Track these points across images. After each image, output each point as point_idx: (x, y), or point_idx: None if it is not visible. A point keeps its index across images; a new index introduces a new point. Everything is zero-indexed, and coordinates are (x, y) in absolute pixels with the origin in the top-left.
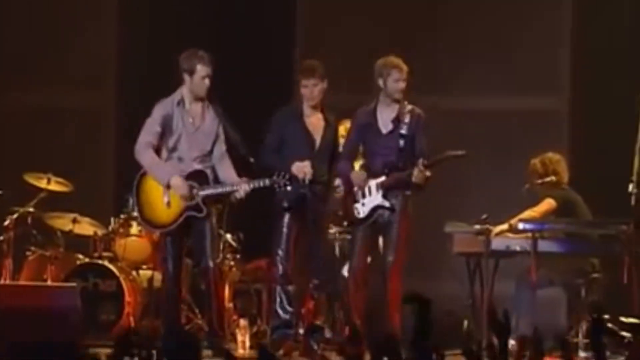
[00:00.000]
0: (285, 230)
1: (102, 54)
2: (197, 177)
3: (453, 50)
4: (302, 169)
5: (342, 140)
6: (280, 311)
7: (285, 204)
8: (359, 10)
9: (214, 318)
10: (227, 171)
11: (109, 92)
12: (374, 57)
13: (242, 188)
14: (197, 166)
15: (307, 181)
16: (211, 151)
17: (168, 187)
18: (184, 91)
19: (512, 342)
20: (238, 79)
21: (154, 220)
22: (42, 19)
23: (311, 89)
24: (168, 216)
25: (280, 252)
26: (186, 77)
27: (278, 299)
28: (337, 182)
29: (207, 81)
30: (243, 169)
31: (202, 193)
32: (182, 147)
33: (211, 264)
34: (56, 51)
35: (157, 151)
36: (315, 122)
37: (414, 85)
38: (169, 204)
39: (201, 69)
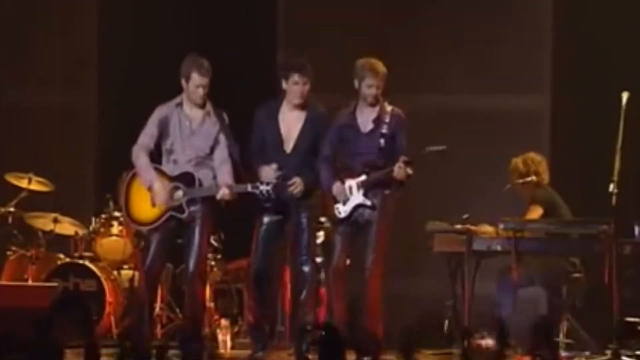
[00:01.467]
0: (262, 229)
1: (83, 53)
2: (184, 179)
3: (434, 49)
4: (266, 176)
5: None
6: (255, 309)
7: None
8: (341, 10)
9: (188, 322)
10: (224, 176)
11: (90, 91)
12: (356, 57)
13: (222, 192)
14: (191, 169)
15: (268, 186)
16: (209, 155)
17: (149, 190)
18: (184, 95)
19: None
20: (219, 81)
21: (139, 218)
22: (22, 16)
23: (302, 87)
24: (151, 215)
25: (256, 252)
26: (183, 82)
27: (251, 299)
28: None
29: (200, 90)
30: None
31: (186, 196)
32: (177, 150)
33: (191, 268)
34: (36, 49)
35: (158, 152)
36: (292, 121)
37: (396, 85)
38: (154, 203)
39: (195, 78)
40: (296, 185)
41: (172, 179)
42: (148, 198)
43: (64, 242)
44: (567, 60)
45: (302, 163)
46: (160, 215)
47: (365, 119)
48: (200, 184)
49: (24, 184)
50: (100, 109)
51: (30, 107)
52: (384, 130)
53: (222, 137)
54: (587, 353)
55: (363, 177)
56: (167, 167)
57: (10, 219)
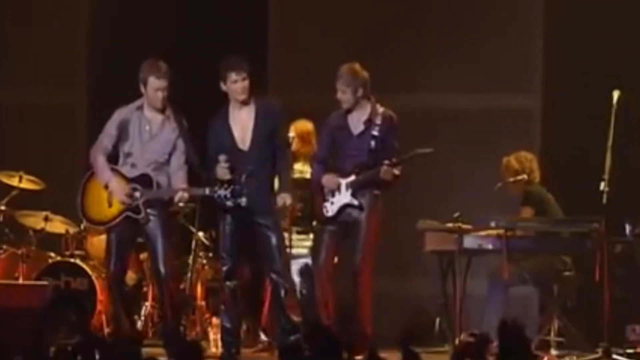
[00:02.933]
0: (227, 229)
1: (73, 51)
2: (141, 181)
3: (424, 48)
4: (222, 172)
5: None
6: (232, 312)
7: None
8: (329, 10)
9: (170, 321)
10: (178, 182)
11: (81, 89)
12: (345, 56)
13: (179, 195)
14: (149, 172)
15: (226, 179)
16: (168, 161)
17: (106, 188)
18: (145, 99)
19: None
20: (207, 79)
21: (95, 217)
22: (12, 15)
23: (242, 84)
24: (107, 215)
25: (223, 254)
26: (142, 88)
27: (222, 306)
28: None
29: (159, 94)
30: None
31: (143, 197)
32: (135, 154)
33: (162, 271)
34: (27, 48)
35: (115, 155)
36: (244, 118)
37: (388, 84)
38: (110, 203)
39: (153, 82)
40: (284, 199)
41: (129, 180)
42: (105, 198)
43: (55, 240)
44: (558, 58)
45: (261, 156)
46: (117, 215)
47: (356, 121)
48: (158, 186)
49: (14, 182)
50: (91, 108)
51: (21, 105)
52: (375, 132)
53: (180, 143)
54: (578, 351)
55: (352, 178)
56: (123, 169)
57: (1, 218)
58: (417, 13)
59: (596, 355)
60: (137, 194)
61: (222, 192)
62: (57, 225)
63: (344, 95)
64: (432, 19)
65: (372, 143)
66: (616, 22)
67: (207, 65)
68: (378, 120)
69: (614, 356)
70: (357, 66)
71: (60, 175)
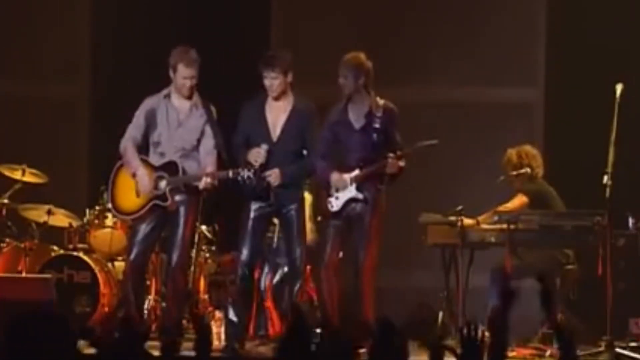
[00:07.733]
0: (249, 225)
1: (75, 44)
2: (168, 169)
3: (427, 42)
4: (255, 155)
5: None
6: (240, 303)
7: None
8: (332, 4)
9: (170, 313)
10: (207, 166)
11: (83, 82)
12: (348, 52)
13: (204, 180)
14: (176, 160)
15: (257, 165)
16: (196, 147)
17: (134, 177)
18: (173, 86)
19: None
20: (210, 73)
21: (123, 208)
22: (14, 8)
23: (270, 82)
24: (135, 204)
25: (244, 253)
26: (171, 73)
27: (230, 299)
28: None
29: (187, 82)
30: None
31: (169, 185)
32: (163, 142)
33: (174, 260)
34: (29, 41)
35: (145, 145)
36: (279, 111)
37: (392, 78)
38: (138, 193)
39: (182, 70)
40: (273, 175)
41: (156, 168)
42: (133, 189)
43: (58, 233)
44: (561, 52)
45: (287, 152)
46: (144, 204)
47: (357, 115)
48: (184, 173)
49: (17, 175)
50: (93, 101)
51: (23, 98)
52: (377, 125)
53: (208, 129)
54: (581, 345)
55: (356, 172)
56: (153, 158)
57: (3, 211)
58: (421, 7)
59: (599, 349)
60: (164, 183)
61: (245, 173)
62: (60, 219)
63: (345, 81)
64: (435, 13)
65: (374, 136)
66: (619, 15)
67: (209, 59)
68: (379, 113)
69: (617, 350)
70: (361, 55)
71: (63, 169)
